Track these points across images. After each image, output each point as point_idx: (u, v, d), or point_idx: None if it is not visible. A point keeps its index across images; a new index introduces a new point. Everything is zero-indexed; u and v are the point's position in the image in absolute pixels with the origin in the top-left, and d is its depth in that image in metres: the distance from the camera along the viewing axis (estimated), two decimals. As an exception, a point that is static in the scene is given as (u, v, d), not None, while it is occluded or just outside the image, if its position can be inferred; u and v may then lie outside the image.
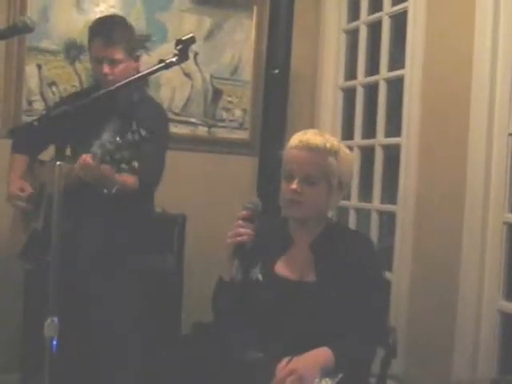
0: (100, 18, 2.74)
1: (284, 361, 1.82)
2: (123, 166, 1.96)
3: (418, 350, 3.02)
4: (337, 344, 1.85)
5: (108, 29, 2.59)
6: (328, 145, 1.96)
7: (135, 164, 1.97)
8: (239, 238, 1.93)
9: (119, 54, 2.57)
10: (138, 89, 2.74)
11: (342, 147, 2.03)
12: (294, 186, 1.96)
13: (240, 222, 1.95)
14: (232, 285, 1.97)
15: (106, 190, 2.33)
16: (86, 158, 2.23)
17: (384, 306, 2.17)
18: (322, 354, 1.83)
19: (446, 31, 3.00)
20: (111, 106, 2.59)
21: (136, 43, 2.72)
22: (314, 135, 2.00)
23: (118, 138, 1.96)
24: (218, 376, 1.99)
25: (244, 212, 1.96)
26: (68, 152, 2.71)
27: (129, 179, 2.39)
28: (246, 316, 2.00)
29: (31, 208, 2.71)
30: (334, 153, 1.97)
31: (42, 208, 2.64)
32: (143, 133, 1.94)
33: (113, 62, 2.57)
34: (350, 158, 2.07)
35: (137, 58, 2.70)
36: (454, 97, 2.93)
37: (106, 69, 2.57)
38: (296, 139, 2.00)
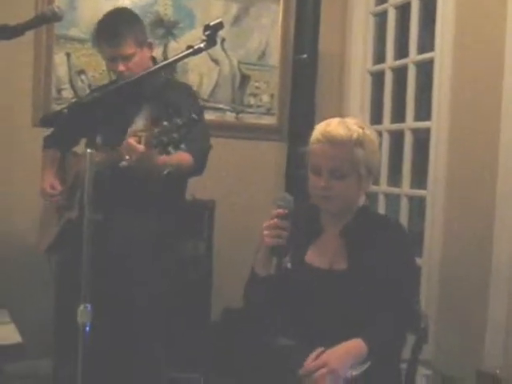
0: (104, 17, 2.67)
1: (316, 352, 1.81)
2: (170, 148, 1.96)
3: (450, 336, 3.00)
4: (369, 333, 1.83)
5: (113, 27, 2.55)
6: (354, 136, 1.91)
7: (182, 146, 1.97)
8: (277, 240, 1.89)
9: (130, 49, 2.54)
10: (165, 73, 2.73)
11: (366, 132, 1.96)
12: (322, 182, 1.92)
13: (276, 220, 1.89)
14: (267, 280, 1.95)
15: (156, 175, 2.33)
16: (131, 141, 2.22)
17: (415, 291, 2.14)
18: (354, 347, 1.81)
19: (477, 11, 2.95)
20: (139, 92, 2.58)
21: (144, 32, 2.65)
22: (337, 126, 1.93)
23: (165, 122, 1.95)
24: (248, 361, 2.00)
25: (280, 210, 1.90)
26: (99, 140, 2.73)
27: (183, 157, 2.38)
28: (278, 305, 1.99)
29: (63, 202, 2.73)
30: (359, 143, 1.91)
31: (77, 198, 2.66)
32: (194, 115, 1.93)
33: (126, 58, 2.55)
34: (374, 139, 1.99)
35: (149, 46, 2.67)
36: (485, 79, 2.88)
37: (121, 66, 2.55)
38: (319, 132, 1.94)
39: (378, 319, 1.86)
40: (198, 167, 2.56)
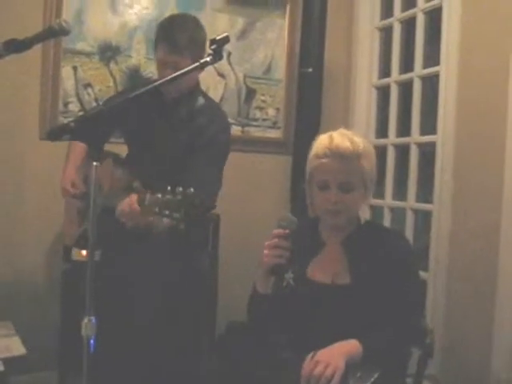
0: (170, 18, 2.60)
1: (309, 357, 1.81)
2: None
3: (455, 351, 2.98)
4: (366, 336, 1.83)
5: (176, 34, 2.45)
6: (359, 149, 1.91)
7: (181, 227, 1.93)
8: (277, 260, 1.88)
9: (185, 62, 2.36)
10: (195, 95, 2.63)
11: (366, 144, 1.97)
12: (332, 198, 1.92)
13: (277, 240, 1.89)
14: (268, 297, 1.95)
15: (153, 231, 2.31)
16: (127, 208, 2.20)
17: (419, 303, 2.13)
18: (346, 345, 1.82)
19: (482, 26, 2.96)
20: (175, 111, 2.56)
21: (204, 46, 2.50)
22: (342, 140, 1.92)
23: (169, 195, 1.85)
24: (252, 374, 1.99)
25: (280, 230, 1.90)
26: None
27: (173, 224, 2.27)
28: (281, 321, 1.99)
29: (83, 205, 2.65)
30: (365, 155, 1.93)
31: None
32: (195, 198, 1.87)
33: (177, 69, 2.29)
34: (372, 150, 2.00)
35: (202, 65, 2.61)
36: (490, 93, 2.88)
37: (169, 74, 2.35)
38: (324, 146, 1.93)
39: (378, 328, 1.86)
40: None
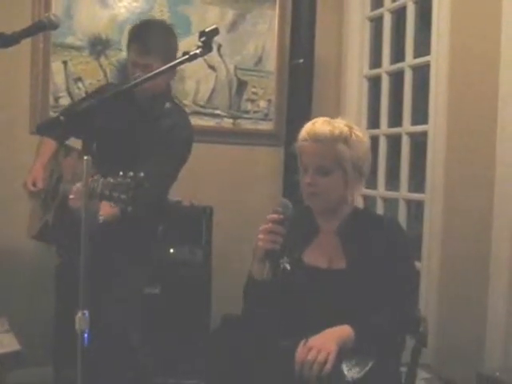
0: (141, 22, 2.69)
1: (301, 343, 1.81)
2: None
3: (449, 339, 3.00)
4: (358, 321, 1.84)
5: (146, 35, 2.55)
6: (336, 132, 1.94)
7: (129, 209, 1.94)
8: (271, 244, 1.90)
9: (157, 64, 2.43)
10: (166, 96, 2.71)
11: (354, 130, 1.98)
12: (307, 179, 1.96)
13: (271, 225, 1.91)
14: (263, 284, 1.96)
15: (92, 221, 2.31)
16: (78, 188, 2.18)
17: (413, 290, 2.13)
18: (338, 330, 1.83)
19: (473, 15, 2.96)
20: (145, 110, 2.61)
21: (175, 52, 2.58)
22: (322, 124, 1.97)
23: (119, 178, 1.89)
24: (250, 364, 2.00)
25: (275, 215, 1.92)
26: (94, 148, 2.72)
27: (109, 210, 2.29)
28: (278, 306, 1.99)
29: (41, 202, 2.74)
30: (343, 139, 1.94)
31: (56, 202, 2.64)
32: (143, 181, 1.89)
33: (147, 72, 2.37)
34: (364, 139, 2.01)
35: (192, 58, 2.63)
36: (481, 82, 2.89)
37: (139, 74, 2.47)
38: (305, 131, 1.99)
39: (372, 313, 1.87)
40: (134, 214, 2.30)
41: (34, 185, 2.73)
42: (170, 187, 2.69)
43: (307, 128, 1.99)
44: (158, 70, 2.07)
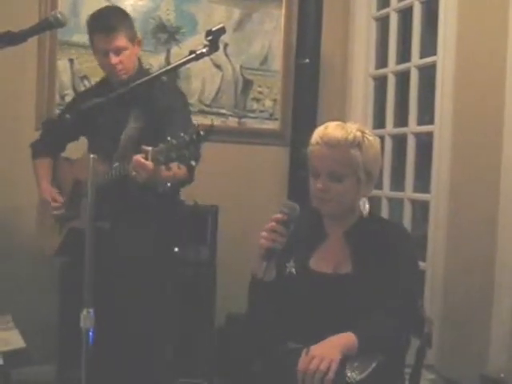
0: (95, 13, 2.71)
1: (303, 352, 1.80)
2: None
3: (454, 340, 2.99)
4: (361, 328, 1.83)
5: (106, 20, 2.60)
6: (350, 137, 1.91)
7: (193, 163, 1.98)
8: (271, 244, 1.89)
9: (122, 42, 2.57)
10: (146, 73, 2.73)
11: (366, 135, 1.96)
12: (319, 184, 1.93)
13: (274, 224, 1.90)
14: (264, 284, 1.95)
15: (161, 189, 2.36)
16: (140, 158, 2.22)
17: (417, 293, 2.13)
18: (341, 337, 1.81)
19: (479, 15, 2.95)
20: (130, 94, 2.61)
21: (134, 29, 2.69)
22: (335, 129, 1.94)
23: (169, 138, 1.96)
24: (252, 366, 1.99)
25: (279, 215, 1.91)
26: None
27: (181, 171, 2.41)
28: (283, 310, 1.99)
29: (64, 213, 2.77)
30: (356, 145, 1.92)
31: (82, 207, 2.65)
32: (201, 132, 1.93)
33: (118, 51, 2.58)
34: (375, 144, 1.99)
35: (138, 43, 2.71)
36: (488, 82, 2.88)
37: (114, 59, 2.57)
38: (317, 135, 1.96)
39: (374, 316, 1.86)
40: (192, 178, 2.60)
41: (55, 200, 2.76)
42: None
43: (319, 132, 1.96)
44: (160, 71, 2.10)
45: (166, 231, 2.72)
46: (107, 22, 2.58)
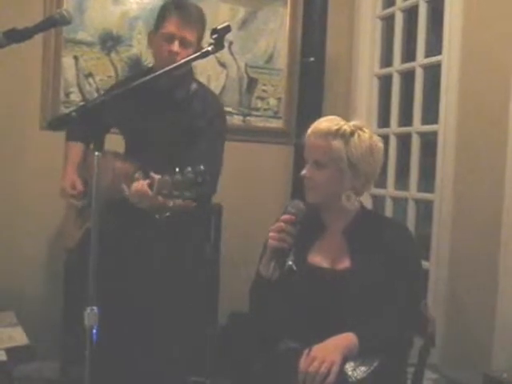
0: (180, 1, 2.64)
1: (305, 353, 1.80)
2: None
3: (457, 340, 2.99)
4: (362, 328, 1.83)
5: (188, 10, 2.55)
6: (333, 128, 1.96)
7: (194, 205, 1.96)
8: (281, 244, 1.90)
9: (192, 36, 2.50)
10: (189, 80, 2.67)
11: (360, 131, 1.98)
12: (304, 171, 2.00)
13: (283, 225, 1.92)
14: (269, 282, 1.95)
15: (157, 216, 2.33)
16: (143, 186, 2.21)
17: (419, 292, 2.13)
18: (342, 338, 1.82)
19: (485, 14, 2.95)
20: (168, 97, 2.57)
21: (203, 35, 2.60)
22: (325, 121, 2.01)
23: (178, 175, 1.92)
24: (253, 365, 2.00)
25: (287, 216, 1.93)
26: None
27: (187, 203, 2.29)
28: (282, 306, 1.99)
29: (84, 205, 2.65)
30: (340, 136, 1.95)
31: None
32: (205, 175, 1.91)
33: (184, 42, 2.49)
34: (370, 141, 1.99)
35: (200, 49, 2.62)
36: (492, 82, 2.87)
37: (176, 47, 2.48)
38: (310, 128, 2.03)
39: (375, 316, 1.86)
40: (203, 205, 2.49)
41: (74, 188, 2.64)
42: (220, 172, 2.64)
43: (313, 124, 2.03)
44: (165, 69, 2.07)
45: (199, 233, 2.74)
46: (189, 12, 2.53)
